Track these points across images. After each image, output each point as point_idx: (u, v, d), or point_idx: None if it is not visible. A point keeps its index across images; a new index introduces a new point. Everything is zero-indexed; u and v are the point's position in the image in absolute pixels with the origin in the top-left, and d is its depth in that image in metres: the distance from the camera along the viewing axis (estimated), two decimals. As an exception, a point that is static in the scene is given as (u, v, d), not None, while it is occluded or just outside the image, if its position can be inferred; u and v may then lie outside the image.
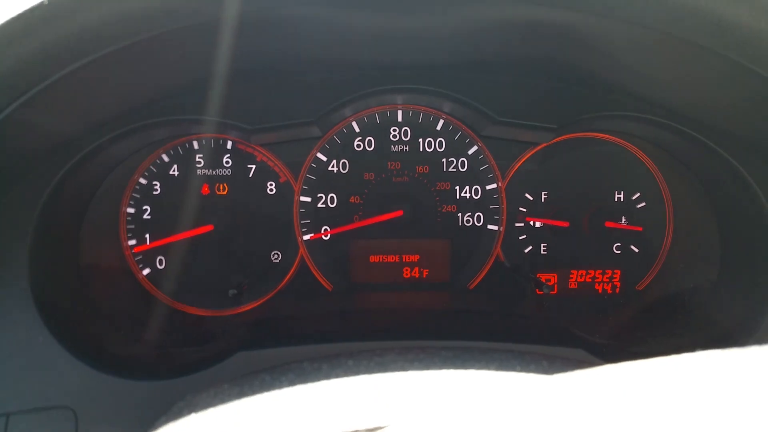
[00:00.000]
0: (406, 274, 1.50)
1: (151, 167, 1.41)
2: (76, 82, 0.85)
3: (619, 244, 1.51)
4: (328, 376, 0.68)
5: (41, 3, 0.69)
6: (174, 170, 1.42)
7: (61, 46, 0.74)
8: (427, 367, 0.67)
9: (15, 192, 1.09)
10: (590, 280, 1.53)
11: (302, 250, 1.46)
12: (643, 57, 1.01)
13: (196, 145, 1.42)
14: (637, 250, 1.51)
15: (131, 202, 1.42)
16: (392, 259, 1.49)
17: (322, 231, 1.46)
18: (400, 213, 1.45)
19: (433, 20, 1.00)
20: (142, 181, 1.41)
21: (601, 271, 1.53)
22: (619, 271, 1.53)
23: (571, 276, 1.53)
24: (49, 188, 1.12)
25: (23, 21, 0.69)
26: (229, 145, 1.43)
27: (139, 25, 0.75)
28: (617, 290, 1.53)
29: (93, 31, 0.74)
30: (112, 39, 0.77)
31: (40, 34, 0.71)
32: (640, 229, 1.49)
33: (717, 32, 0.77)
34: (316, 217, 1.46)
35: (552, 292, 1.52)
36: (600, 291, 1.53)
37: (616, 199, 1.49)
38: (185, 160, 1.42)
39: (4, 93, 0.77)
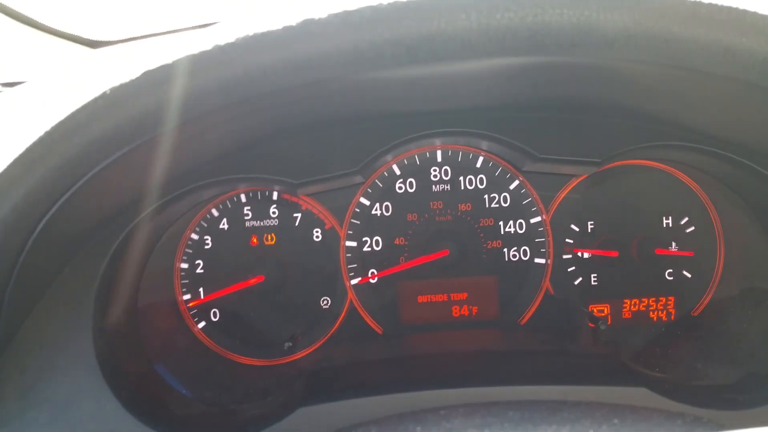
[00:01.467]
0: (455, 313, 1.50)
1: (202, 222, 1.46)
2: (140, 156, 0.90)
3: (671, 270, 1.48)
4: None
5: (104, 92, 0.73)
6: (223, 224, 1.46)
7: (123, 129, 0.78)
8: (496, 430, 0.66)
9: (76, 262, 1.13)
10: (644, 308, 1.50)
11: (351, 295, 1.48)
12: (684, 90, 1.00)
13: (243, 198, 1.46)
14: (689, 276, 1.48)
15: (184, 258, 1.46)
16: (440, 298, 1.50)
17: (369, 274, 1.48)
18: (445, 252, 1.45)
19: (470, 68, 1.02)
20: (194, 236, 1.46)
21: (654, 299, 1.50)
22: (673, 298, 1.50)
23: (624, 305, 1.51)
24: (108, 256, 1.16)
25: (88, 109, 0.74)
26: (275, 196, 1.46)
27: (194, 107, 0.79)
28: (672, 317, 1.50)
29: (149, 115, 0.78)
30: (170, 121, 0.81)
31: (104, 119, 0.75)
32: (691, 254, 1.47)
33: (761, 70, 0.76)
34: (363, 261, 1.48)
35: (606, 324, 1.49)
36: (655, 319, 1.50)
37: (664, 225, 1.47)
38: (234, 214, 1.46)
39: (66, 178, 0.81)
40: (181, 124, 0.83)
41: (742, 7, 0.69)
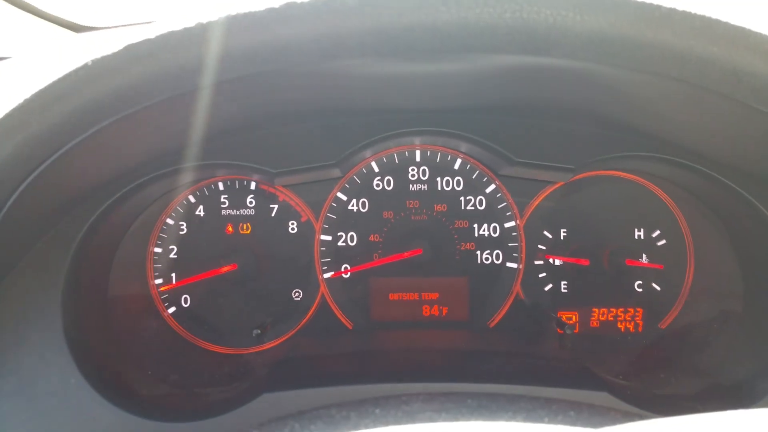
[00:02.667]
0: (426, 313, 1.51)
1: (178, 207, 1.46)
2: (114, 133, 0.90)
3: (641, 282, 1.50)
4: (356, 426, 0.69)
5: (85, 64, 0.74)
6: (200, 210, 1.47)
7: (102, 102, 0.79)
8: (455, 417, 0.67)
9: (50, 236, 1.14)
10: (612, 318, 1.52)
11: (323, 288, 1.49)
12: (659, 100, 1.02)
13: (221, 186, 1.47)
14: (659, 288, 1.49)
15: (158, 242, 1.47)
16: (412, 297, 1.51)
17: (343, 269, 1.48)
18: (419, 251, 1.46)
19: (452, 68, 1.04)
20: (170, 221, 1.46)
21: (623, 310, 1.52)
22: (641, 310, 1.51)
23: (592, 314, 1.52)
24: (81, 233, 1.16)
25: (69, 80, 0.75)
26: (253, 186, 1.47)
27: (172, 84, 0.79)
28: (640, 329, 1.51)
29: (130, 89, 0.79)
30: (148, 96, 0.82)
31: (83, 91, 0.76)
32: (661, 266, 1.48)
33: (734, 82, 0.78)
34: (337, 256, 1.48)
35: (573, 331, 1.51)
36: (623, 330, 1.52)
37: (636, 237, 1.49)
38: (211, 201, 1.47)
39: (48, 145, 0.81)
40: (159, 102, 0.83)
41: (714, 16, 0.71)
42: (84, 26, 1.61)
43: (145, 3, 1.79)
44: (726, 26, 0.71)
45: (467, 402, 0.73)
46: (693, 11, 0.71)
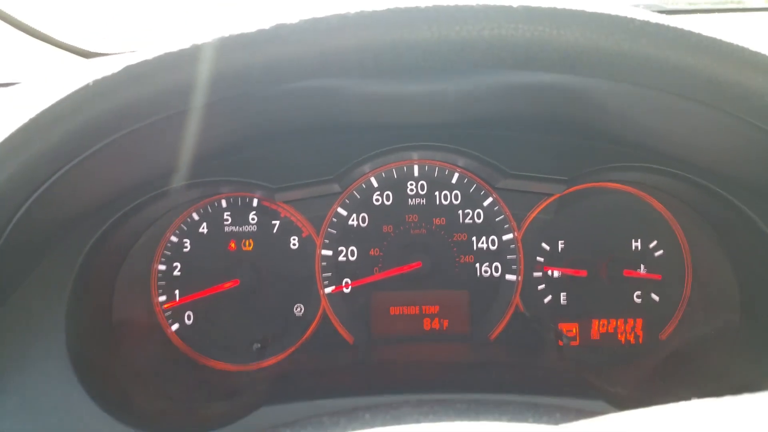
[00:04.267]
0: (427, 326, 1.52)
1: (182, 225, 1.50)
2: (117, 151, 0.94)
3: (639, 293, 1.51)
4: (345, 429, 0.70)
5: (86, 84, 0.78)
6: (203, 228, 1.50)
7: (104, 121, 0.83)
8: (440, 419, 0.69)
9: (53, 254, 1.16)
10: (612, 330, 1.52)
11: (324, 303, 1.50)
12: (650, 113, 1.05)
13: (224, 203, 1.51)
14: (657, 299, 1.50)
15: (162, 259, 1.49)
16: (412, 310, 1.52)
17: (344, 284, 1.50)
18: (418, 264, 1.48)
19: (447, 86, 1.08)
20: (173, 239, 1.49)
21: (623, 321, 1.52)
22: (641, 320, 1.52)
23: (592, 326, 1.53)
24: (85, 250, 1.19)
25: (71, 100, 0.78)
26: (255, 202, 1.50)
27: (170, 103, 0.83)
28: (640, 340, 1.52)
29: (131, 107, 0.83)
30: (147, 115, 0.86)
31: (85, 111, 0.80)
32: (659, 277, 1.50)
33: (713, 91, 0.81)
34: (338, 270, 1.50)
35: (574, 343, 1.52)
36: (623, 341, 1.52)
37: (633, 248, 1.51)
38: (214, 219, 1.50)
39: (52, 163, 0.85)
40: (160, 121, 0.87)
41: (687, 27, 0.74)
42: (94, 53, 1.67)
43: (155, 28, 1.86)
44: (699, 37, 0.75)
45: (456, 406, 0.74)
46: (666, 23, 0.75)
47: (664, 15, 0.78)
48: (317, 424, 0.74)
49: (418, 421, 0.70)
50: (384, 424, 0.71)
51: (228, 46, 0.76)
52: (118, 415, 1.10)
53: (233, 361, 1.50)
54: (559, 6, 0.74)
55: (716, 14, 1.73)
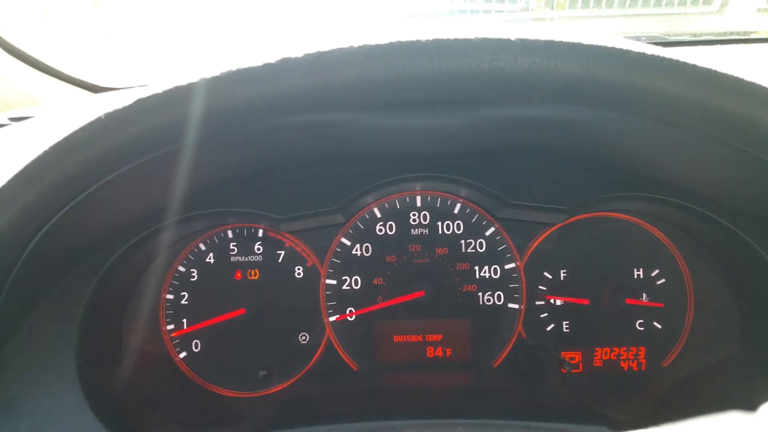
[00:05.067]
0: (430, 354, 1.53)
1: (189, 256, 1.53)
2: (127, 183, 0.96)
3: (642, 321, 1.52)
4: None
5: (99, 117, 0.81)
6: (210, 258, 1.53)
7: (115, 153, 0.85)
8: None
9: (65, 282, 1.20)
10: (615, 357, 1.53)
11: (328, 332, 1.52)
12: (652, 145, 1.06)
13: (230, 234, 1.53)
14: (660, 327, 1.51)
15: (171, 289, 1.52)
16: (416, 338, 1.54)
17: (348, 312, 1.53)
18: (421, 293, 1.50)
19: (448, 118, 1.10)
20: (181, 269, 1.52)
21: (625, 349, 1.53)
22: (644, 348, 1.53)
23: (595, 354, 1.54)
24: (96, 279, 1.23)
25: (83, 133, 0.81)
26: (260, 233, 1.53)
27: (182, 134, 0.86)
28: (643, 367, 1.52)
29: (141, 139, 0.85)
30: (157, 147, 0.88)
31: (97, 143, 0.83)
32: (662, 305, 1.50)
33: (728, 128, 0.82)
34: (342, 299, 1.53)
35: (576, 370, 1.53)
36: (626, 368, 1.53)
37: (635, 276, 1.52)
38: (220, 249, 1.53)
39: (63, 195, 0.87)
40: (168, 153, 0.89)
41: (682, 59, 0.76)
42: (102, 87, 1.72)
43: (162, 64, 1.90)
44: (694, 68, 0.76)
45: (458, 430, 0.76)
46: (661, 55, 0.76)
47: (662, 47, 0.80)
48: None
49: None
50: None
51: (234, 79, 0.78)
52: None
53: (239, 389, 1.53)
54: (557, 39, 0.76)
55: (720, 45, 1.74)
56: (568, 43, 0.74)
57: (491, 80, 0.78)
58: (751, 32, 1.80)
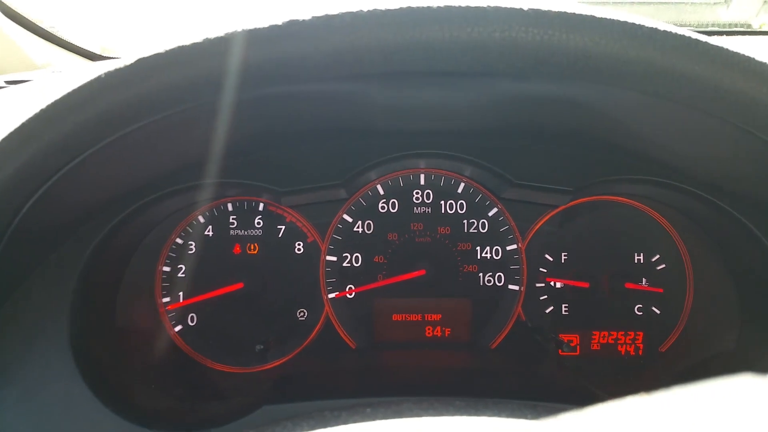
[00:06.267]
0: (428, 333, 1.53)
1: (188, 228, 1.50)
2: (122, 148, 0.94)
3: (641, 306, 1.52)
4: (346, 422, 0.71)
5: (98, 77, 0.79)
6: (209, 231, 1.51)
7: (113, 114, 0.83)
8: (440, 413, 0.70)
9: (59, 250, 1.17)
10: (612, 341, 1.53)
11: (327, 308, 1.51)
12: (657, 125, 1.06)
13: (230, 207, 1.51)
14: (658, 312, 1.51)
15: (167, 261, 1.50)
16: (415, 317, 1.53)
17: (347, 289, 1.51)
18: (422, 272, 1.49)
19: (455, 94, 1.08)
20: (179, 241, 1.50)
21: (623, 333, 1.53)
22: (641, 333, 1.53)
23: (593, 337, 1.54)
24: (91, 248, 1.20)
25: (82, 91, 0.79)
26: (261, 207, 1.51)
27: (183, 98, 0.84)
28: (640, 352, 1.53)
29: (140, 102, 0.83)
30: (156, 110, 0.86)
31: (96, 102, 0.80)
32: (661, 290, 1.51)
33: (720, 101, 0.82)
34: (342, 276, 1.51)
35: (574, 353, 1.53)
36: (623, 353, 1.53)
37: (635, 261, 1.52)
38: (220, 222, 1.51)
39: (59, 156, 0.85)
40: (167, 119, 0.87)
41: (694, 36, 0.75)
42: (99, 55, 1.69)
43: (160, 33, 1.87)
44: (706, 45, 0.76)
45: (455, 403, 0.75)
46: (674, 31, 0.76)
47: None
48: (319, 417, 0.75)
49: (418, 415, 0.71)
50: (385, 416, 0.72)
51: (238, 41, 0.76)
52: (119, 411, 1.10)
53: (236, 364, 1.51)
54: (569, 10, 0.76)
55: (726, 37, 1.75)
56: (581, 15, 0.74)
57: (501, 51, 0.77)
58: (757, 24, 1.81)
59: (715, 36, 1.77)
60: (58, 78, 1.34)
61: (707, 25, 1.81)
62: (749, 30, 1.78)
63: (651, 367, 1.51)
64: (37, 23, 1.60)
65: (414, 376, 1.43)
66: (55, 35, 1.64)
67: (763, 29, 1.80)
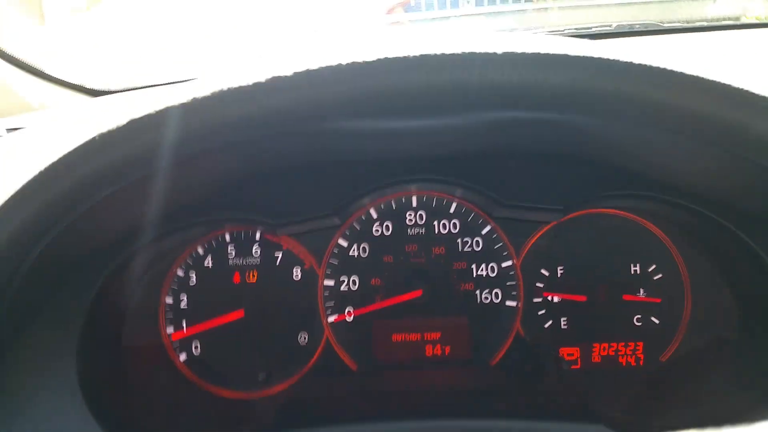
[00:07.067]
0: (428, 352, 1.54)
1: (188, 260, 1.54)
2: (130, 193, 0.98)
3: (640, 316, 1.52)
4: None
5: (93, 138, 0.83)
6: (208, 261, 1.54)
7: (111, 170, 0.87)
8: None
9: (66, 290, 1.21)
10: (613, 353, 1.54)
11: (327, 332, 1.53)
12: (648, 145, 1.06)
13: (228, 237, 1.54)
14: (657, 322, 1.51)
15: (169, 292, 1.54)
16: (414, 337, 1.55)
17: (346, 312, 1.53)
18: (419, 293, 1.51)
19: (441, 122, 1.10)
20: (180, 272, 1.53)
21: (623, 344, 1.54)
22: (641, 343, 1.53)
23: (593, 349, 1.54)
24: (98, 285, 1.24)
25: (78, 152, 0.83)
26: (258, 236, 1.54)
27: (172, 153, 0.87)
28: (641, 362, 1.53)
29: (133, 159, 0.87)
30: (152, 165, 0.90)
31: (93, 161, 0.85)
32: (659, 300, 1.51)
33: (720, 134, 0.82)
34: (340, 300, 1.54)
35: (575, 366, 1.53)
36: (624, 364, 1.54)
37: (632, 272, 1.52)
38: (218, 252, 1.54)
39: (65, 209, 0.89)
40: (164, 167, 0.91)
41: (670, 67, 0.76)
42: (99, 90, 1.72)
43: (158, 65, 1.91)
44: (682, 76, 0.77)
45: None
46: (649, 63, 0.77)
47: (656, 35, 0.80)
48: None
49: None
50: None
51: (227, 98, 0.81)
52: None
53: (240, 389, 1.54)
54: (542, 51, 0.77)
55: (714, 32, 1.74)
56: (555, 55, 0.75)
57: (480, 92, 0.80)
58: (745, 17, 1.79)
59: (704, 32, 1.76)
60: (56, 126, 1.38)
61: (696, 20, 1.80)
62: (737, 24, 1.76)
63: (652, 377, 1.51)
64: (33, 64, 1.64)
65: (416, 397, 1.45)
66: (52, 75, 1.67)
67: (750, 21, 1.79)
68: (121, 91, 1.69)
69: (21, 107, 1.58)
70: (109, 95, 1.71)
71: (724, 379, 1.35)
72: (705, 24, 1.77)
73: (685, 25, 1.77)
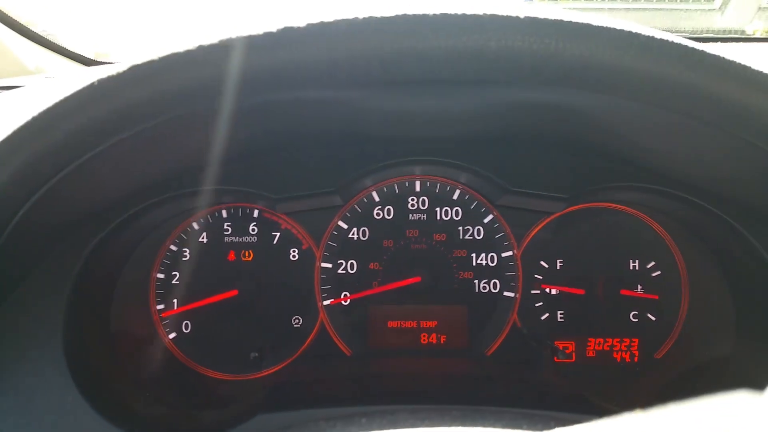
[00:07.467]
0: (424, 340, 1.52)
1: (182, 234, 1.50)
2: (118, 155, 0.93)
3: (636, 312, 1.52)
4: None
5: (91, 84, 0.78)
6: (203, 237, 1.50)
7: (105, 122, 0.82)
8: (437, 424, 0.70)
9: (53, 257, 1.16)
10: (608, 348, 1.53)
11: (322, 315, 1.50)
12: (654, 134, 1.06)
13: (224, 213, 1.51)
14: (654, 318, 1.51)
15: (161, 268, 1.49)
16: (410, 324, 1.52)
17: (342, 296, 1.51)
18: (417, 279, 1.49)
19: (451, 101, 1.08)
20: (173, 247, 1.49)
21: (619, 339, 1.53)
22: (637, 340, 1.53)
23: (588, 344, 1.54)
24: (84, 255, 1.19)
25: (75, 99, 0.78)
26: (256, 213, 1.51)
27: (174, 106, 0.83)
28: (636, 359, 1.53)
29: (133, 109, 0.83)
30: (150, 117, 0.85)
31: (89, 110, 0.79)
32: (656, 297, 1.51)
33: (731, 116, 0.82)
34: (337, 283, 1.51)
35: (569, 360, 1.52)
36: (618, 359, 1.53)
37: (631, 268, 1.52)
38: (214, 229, 1.50)
39: (52, 164, 0.84)
40: (162, 126, 0.87)
41: (691, 44, 0.75)
42: (94, 60, 1.68)
43: (154, 38, 1.86)
44: (701, 54, 0.76)
45: (452, 413, 0.75)
46: (670, 39, 0.76)
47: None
48: (314, 428, 0.74)
49: (414, 426, 0.71)
50: (381, 427, 0.71)
51: (233, 48, 0.75)
52: (113, 419, 1.10)
53: (230, 371, 1.50)
54: (565, 19, 0.75)
55: (721, 43, 1.75)
56: (577, 23, 0.74)
57: (497, 60, 0.77)
58: (751, 31, 1.81)
59: (710, 42, 1.79)
60: (51, 84, 1.34)
61: (702, 31, 1.82)
62: (743, 36, 1.78)
63: (646, 374, 1.51)
64: (30, 27, 1.59)
65: (409, 383, 1.43)
66: (48, 40, 1.63)
67: (756, 36, 1.81)
68: (116, 63, 1.65)
69: (16, 70, 1.53)
70: (104, 65, 1.66)
71: (720, 378, 1.35)
72: (711, 36, 1.79)
73: (691, 35, 1.79)
